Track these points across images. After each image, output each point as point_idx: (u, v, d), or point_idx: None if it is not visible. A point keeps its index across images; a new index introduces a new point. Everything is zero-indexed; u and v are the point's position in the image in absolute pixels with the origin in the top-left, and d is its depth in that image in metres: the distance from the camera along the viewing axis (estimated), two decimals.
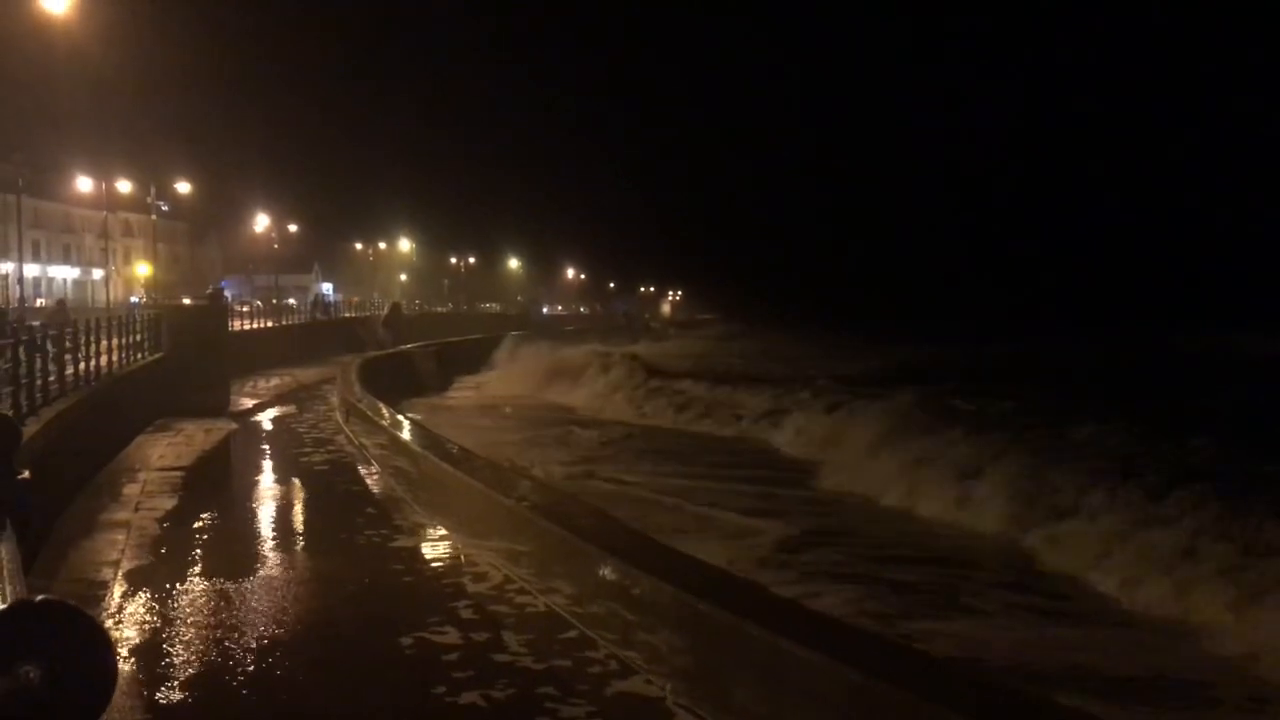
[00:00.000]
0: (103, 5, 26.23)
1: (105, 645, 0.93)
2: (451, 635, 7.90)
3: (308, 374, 36.63)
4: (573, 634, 7.80)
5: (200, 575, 10.06)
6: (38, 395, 13.77)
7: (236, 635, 8.03)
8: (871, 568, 12.04)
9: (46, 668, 0.86)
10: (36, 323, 17.31)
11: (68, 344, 16.57)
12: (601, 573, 8.14)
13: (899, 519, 15.31)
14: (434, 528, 11.88)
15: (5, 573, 1.55)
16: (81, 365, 17.31)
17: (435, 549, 11.04)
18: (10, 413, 11.97)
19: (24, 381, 12.99)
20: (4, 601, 1.44)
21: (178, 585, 9.55)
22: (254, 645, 7.82)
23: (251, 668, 7.34)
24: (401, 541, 11.25)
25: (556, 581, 8.91)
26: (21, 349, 12.99)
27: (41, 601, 0.92)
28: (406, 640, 7.82)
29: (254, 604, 8.99)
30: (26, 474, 2.47)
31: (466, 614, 8.44)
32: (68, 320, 18.05)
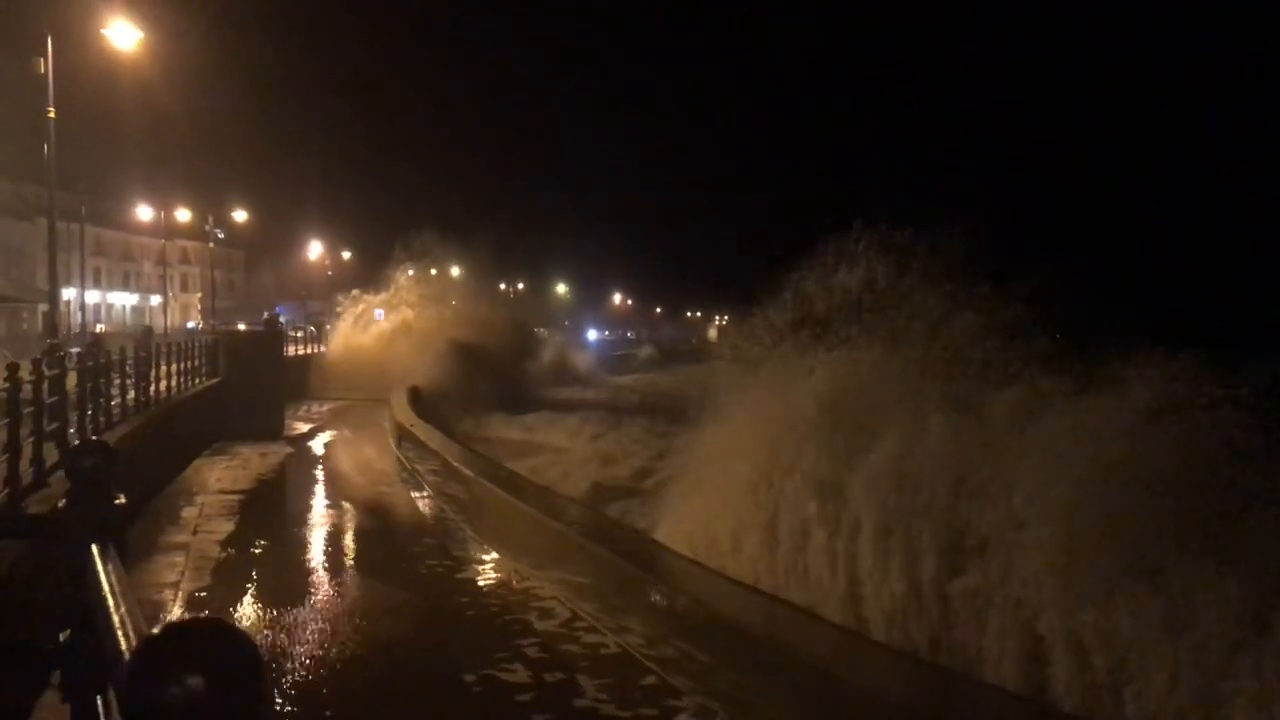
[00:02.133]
0: (165, 39, 26.94)
1: (259, 661, 1.04)
2: (521, 674, 7.68)
3: (361, 398, 37.02)
4: (652, 680, 7.55)
5: (258, 600, 10.20)
6: (102, 419, 14.10)
7: (295, 664, 8.02)
8: None
9: (211, 679, 0.97)
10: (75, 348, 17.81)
11: (128, 370, 16.96)
12: (655, 599, 8.14)
13: None
14: (492, 557, 11.83)
15: (119, 593, 1.65)
16: (142, 389, 17.69)
17: (495, 579, 10.88)
18: (76, 436, 12.32)
19: (89, 407, 13.32)
20: (120, 620, 1.55)
21: (236, 609, 9.70)
22: (313, 675, 7.75)
23: (310, 699, 7.27)
24: (460, 572, 11.15)
25: (627, 619, 8.74)
26: (85, 376, 13.32)
27: (206, 619, 1.03)
28: (471, 677, 7.64)
29: (312, 632, 8.98)
30: (123, 499, 2.59)
31: (534, 652, 8.21)
32: (152, 346, 18.62)
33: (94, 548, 2.00)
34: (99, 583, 1.70)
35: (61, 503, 2.61)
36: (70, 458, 2.73)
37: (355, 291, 54.98)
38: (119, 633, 1.46)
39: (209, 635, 1.01)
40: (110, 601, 1.58)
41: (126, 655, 1.37)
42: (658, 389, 50.22)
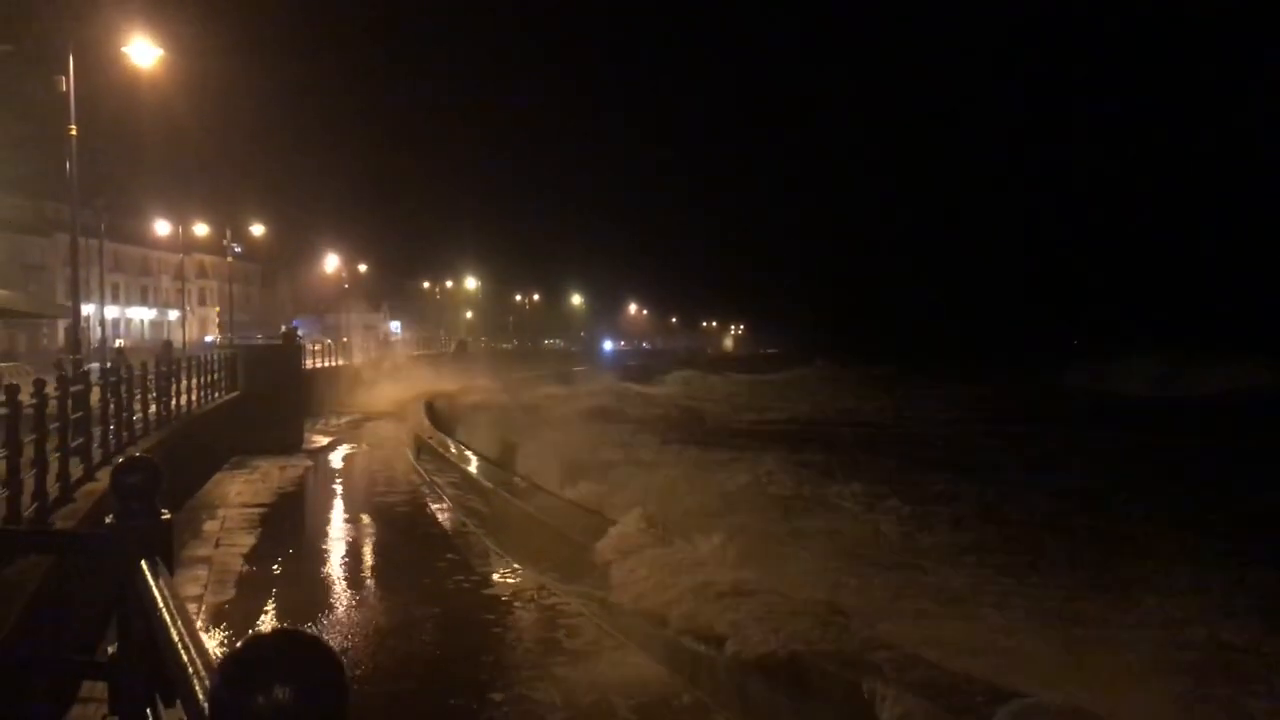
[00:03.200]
0: (184, 57, 27.18)
1: (340, 669, 1.08)
2: (551, 694, 7.53)
3: (378, 410, 37.19)
4: (688, 699, 7.40)
5: (281, 613, 10.25)
6: (124, 434, 14.20)
7: None
8: None
9: (296, 688, 1.01)
10: (97, 365, 17.96)
11: (150, 384, 17.07)
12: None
13: None
14: (515, 570, 11.80)
15: (172, 608, 1.69)
16: (163, 404, 17.80)
17: (520, 594, 10.76)
18: (100, 451, 12.40)
19: (112, 423, 13.42)
20: (180, 635, 1.59)
21: (260, 622, 9.75)
22: None
23: None
24: (485, 588, 11.05)
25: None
26: (109, 391, 13.43)
27: (289, 631, 1.08)
28: (500, 696, 7.53)
29: (336, 647, 9.02)
30: (168, 514, 2.64)
31: (564, 671, 8.06)
32: (174, 360, 18.76)
33: (144, 563, 2.03)
34: (153, 598, 1.74)
35: (109, 518, 2.65)
36: (117, 474, 2.78)
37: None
38: (180, 647, 1.50)
39: (293, 647, 1.05)
40: (167, 617, 1.62)
41: (192, 669, 1.41)
42: (672, 401, 50.49)
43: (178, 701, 1.50)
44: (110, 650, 2.44)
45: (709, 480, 18.03)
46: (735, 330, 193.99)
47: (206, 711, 1.09)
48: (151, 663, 1.77)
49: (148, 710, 1.97)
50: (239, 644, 1.07)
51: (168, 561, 2.33)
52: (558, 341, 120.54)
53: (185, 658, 1.45)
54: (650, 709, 7.29)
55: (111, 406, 13.47)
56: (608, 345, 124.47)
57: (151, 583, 1.84)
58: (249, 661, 1.04)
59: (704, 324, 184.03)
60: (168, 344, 20.73)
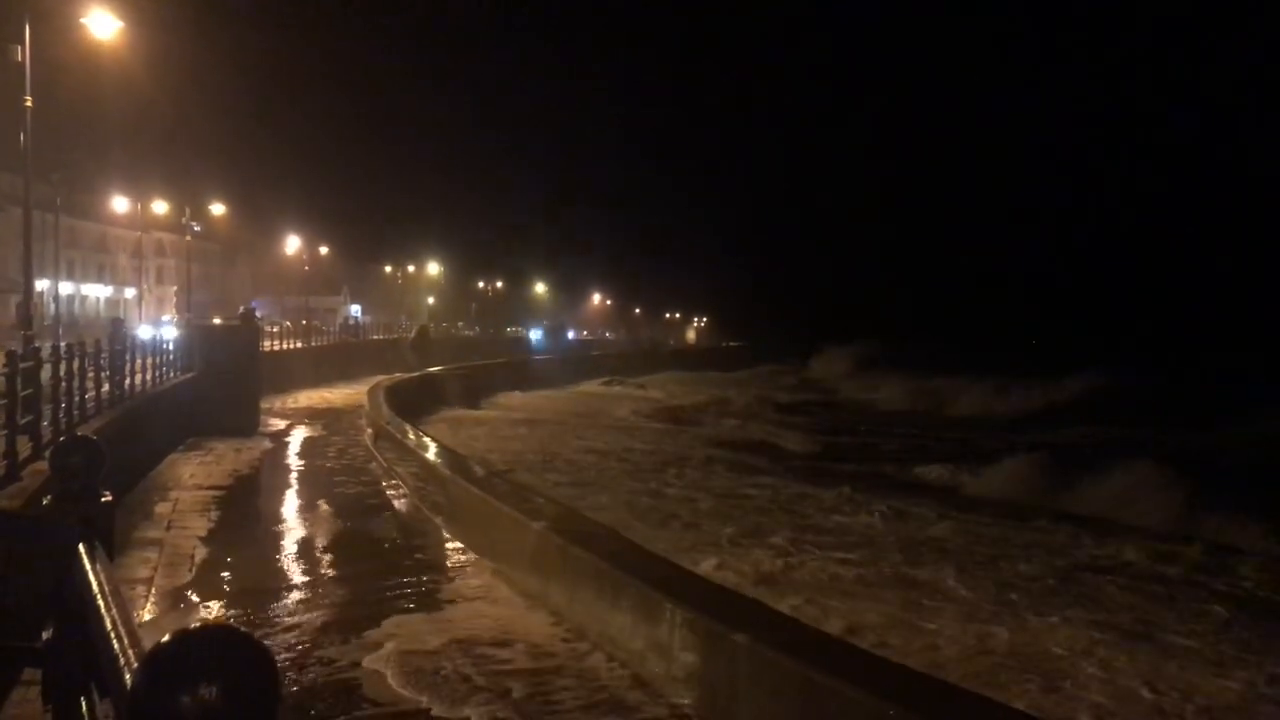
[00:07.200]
0: (144, 30, 26.73)
1: (271, 666, 1.02)
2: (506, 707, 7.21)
3: (337, 395, 36.94)
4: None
5: (233, 595, 10.12)
6: (75, 413, 13.96)
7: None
8: None
9: (223, 686, 0.95)
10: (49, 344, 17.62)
11: (103, 363, 16.81)
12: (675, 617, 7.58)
13: None
14: (470, 557, 11.75)
15: (108, 592, 1.62)
16: (116, 383, 17.54)
17: (477, 587, 10.52)
18: (49, 430, 12.18)
19: (63, 401, 13.19)
20: (113, 623, 1.52)
21: (210, 606, 9.62)
22: (287, 680, 7.40)
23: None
24: (443, 582, 10.80)
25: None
26: (61, 368, 13.20)
27: (217, 627, 1.02)
28: (467, 711, 7.16)
29: (286, 631, 8.91)
30: (109, 496, 2.56)
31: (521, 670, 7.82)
32: (124, 338, 18.41)
33: (81, 547, 1.96)
34: (88, 583, 1.67)
35: (47, 499, 2.57)
36: (57, 454, 2.69)
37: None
38: (112, 636, 1.44)
39: (221, 642, 0.99)
40: (101, 603, 1.55)
41: (123, 660, 1.35)
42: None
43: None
44: (45, 635, 2.37)
45: None
46: (698, 323, 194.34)
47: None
48: (86, 651, 1.71)
49: (81, 700, 1.90)
50: (164, 639, 1.01)
51: (108, 545, 2.25)
52: (520, 329, 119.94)
53: (116, 648, 1.38)
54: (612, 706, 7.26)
55: (63, 384, 13.24)
56: (570, 335, 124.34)
57: (88, 567, 1.78)
58: (174, 658, 0.98)
59: (667, 315, 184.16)
60: (118, 321, 20.34)
